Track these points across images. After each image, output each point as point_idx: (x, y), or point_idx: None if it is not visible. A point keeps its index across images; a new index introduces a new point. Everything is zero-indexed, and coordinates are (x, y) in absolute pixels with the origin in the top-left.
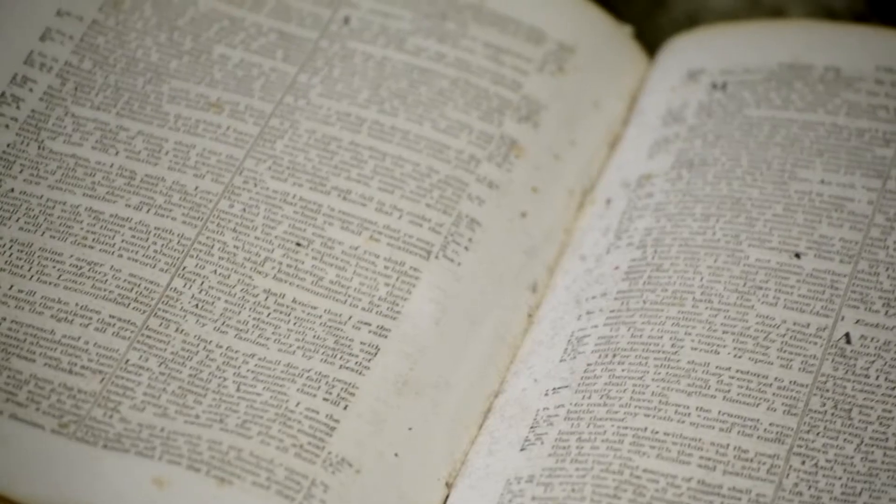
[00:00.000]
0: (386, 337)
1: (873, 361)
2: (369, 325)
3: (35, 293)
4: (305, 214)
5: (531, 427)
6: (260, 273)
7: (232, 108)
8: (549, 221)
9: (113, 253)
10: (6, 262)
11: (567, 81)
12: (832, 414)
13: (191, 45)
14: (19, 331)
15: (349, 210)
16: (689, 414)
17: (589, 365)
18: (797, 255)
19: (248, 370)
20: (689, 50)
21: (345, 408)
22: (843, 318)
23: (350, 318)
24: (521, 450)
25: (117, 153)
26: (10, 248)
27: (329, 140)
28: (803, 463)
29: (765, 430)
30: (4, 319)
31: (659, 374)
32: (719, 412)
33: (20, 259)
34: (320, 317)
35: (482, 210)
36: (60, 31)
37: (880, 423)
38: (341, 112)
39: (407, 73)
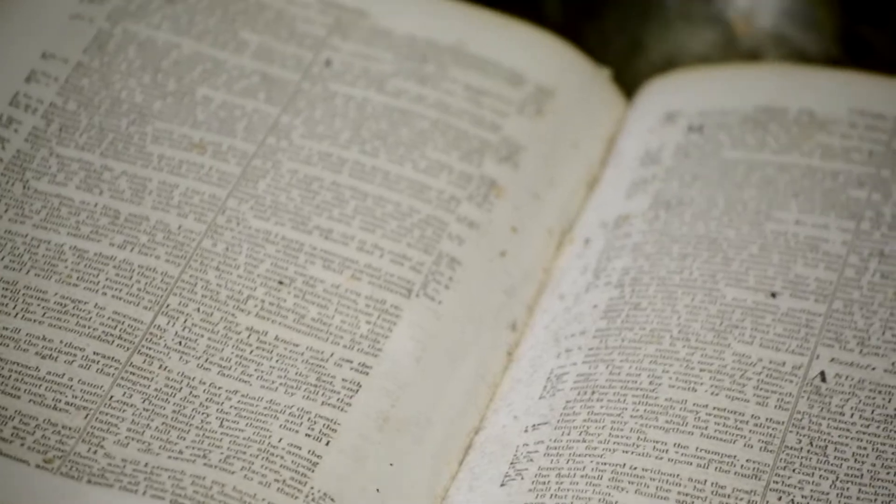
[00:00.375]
0: (367, 374)
1: (848, 399)
2: (351, 362)
3: (20, 330)
4: (287, 253)
5: (511, 463)
6: (242, 311)
7: (215, 148)
8: (528, 261)
9: (97, 291)
10: None
11: (546, 123)
12: (808, 451)
13: (174, 87)
14: (4, 367)
15: (331, 249)
16: (667, 450)
17: (568, 402)
18: (773, 295)
19: (231, 406)
20: (666, 92)
21: (327, 443)
22: (818, 357)
23: (332, 355)
24: (502, 485)
25: (101, 193)
26: None
27: (311, 180)
28: (780, 499)
29: (742, 466)
30: None
31: (637, 410)
32: (697, 448)
33: (5, 297)
34: (302, 354)
35: (462, 249)
36: (45, 72)
37: (855, 460)
38: (323, 152)
39: (388, 114)
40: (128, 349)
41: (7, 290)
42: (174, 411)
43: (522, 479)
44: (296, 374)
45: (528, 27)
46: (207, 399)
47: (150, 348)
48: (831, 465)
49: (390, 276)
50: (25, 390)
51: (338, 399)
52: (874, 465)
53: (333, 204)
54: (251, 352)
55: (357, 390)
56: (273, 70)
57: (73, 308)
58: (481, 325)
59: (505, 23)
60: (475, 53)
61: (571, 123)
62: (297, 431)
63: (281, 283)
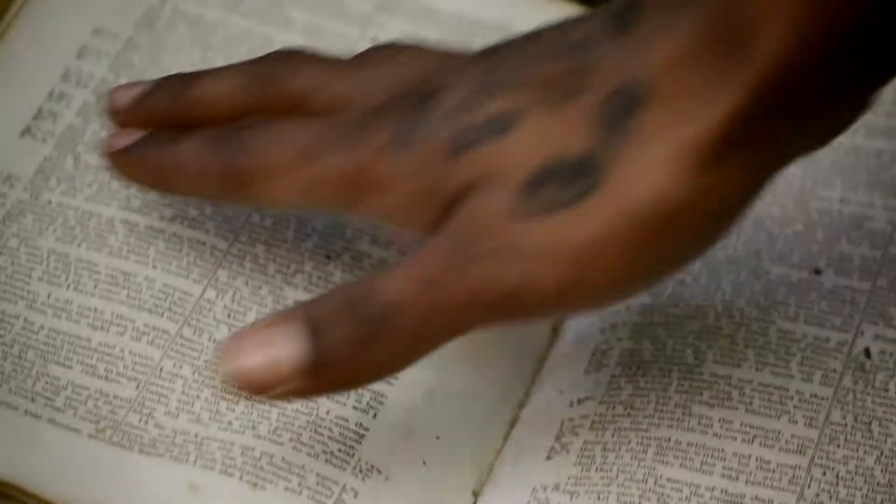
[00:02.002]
0: None
1: (892, 376)
2: None
3: (72, 302)
4: (335, 228)
5: (557, 437)
6: (290, 284)
7: None
8: None
9: (147, 264)
10: (44, 271)
11: None
12: (852, 426)
13: (223, 63)
14: (56, 338)
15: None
16: (712, 425)
17: (613, 377)
18: (817, 272)
19: None
20: None
21: (374, 416)
22: (862, 334)
23: None
24: (547, 458)
25: None
26: (47, 258)
27: None
28: (824, 474)
29: (786, 441)
30: (42, 327)
31: (682, 386)
32: (741, 423)
33: (57, 269)
34: None
35: None
36: (97, 48)
37: None
38: None
39: None
40: (177, 321)
41: (59, 262)
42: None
43: (568, 452)
44: None
45: (573, 6)
46: None
47: (199, 320)
48: (876, 440)
49: None
50: (78, 361)
51: None
52: None
53: None
54: None
55: None
56: (320, 46)
57: (124, 280)
58: None
59: (550, 2)
60: (520, 29)
61: None
62: (344, 404)
63: (328, 257)
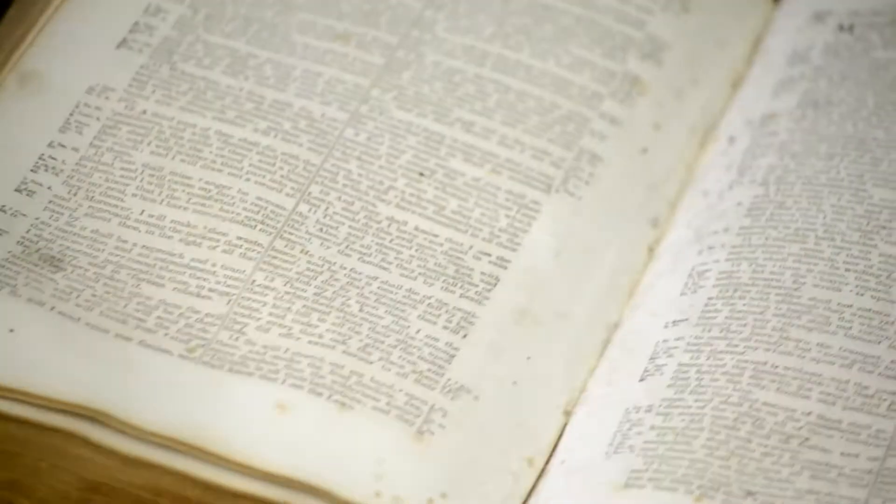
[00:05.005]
0: (506, 268)
1: None
2: (489, 255)
3: (165, 217)
4: (429, 145)
5: (651, 358)
6: (383, 201)
7: (359, 39)
8: (671, 158)
9: (241, 177)
10: (137, 187)
11: (691, 20)
12: None
13: None
14: (149, 256)
15: (472, 142)
16: (810, 349)
17: (710, 299)
18: None
19: (370, 291)
20: None
21: (464, 336)
22: None
23: (471, 247)
24: (641, 380)
25: (247, 78)
26: (141, 172)
27: (454, 72)
28: None
29: (885, 367)
30: (135, 245)
31: (780, 309)
32: (840, 348)
33: (151, 183)
34: (441, 245)
35: (603, 146)
36: None
37: None
38: (466, 46)
39: (532, 9)
40: (270, 234)
41: (153, 176)
42: (315, 294)
43: (662, 374)
44: (435, 264)
45: None
46: (348, 283)
47: (291, 234)
48: None
49: (530, 171)
50: (169, 278)
51: (476, 292)
52: None
53: (476, 97)
54: (391, 240)
55: (495, 284)
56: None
57: (217, 193)
58: (622, 221)
59: None
60: None
61: (717, 21)
62: (434, 323)
63: (422, 174)
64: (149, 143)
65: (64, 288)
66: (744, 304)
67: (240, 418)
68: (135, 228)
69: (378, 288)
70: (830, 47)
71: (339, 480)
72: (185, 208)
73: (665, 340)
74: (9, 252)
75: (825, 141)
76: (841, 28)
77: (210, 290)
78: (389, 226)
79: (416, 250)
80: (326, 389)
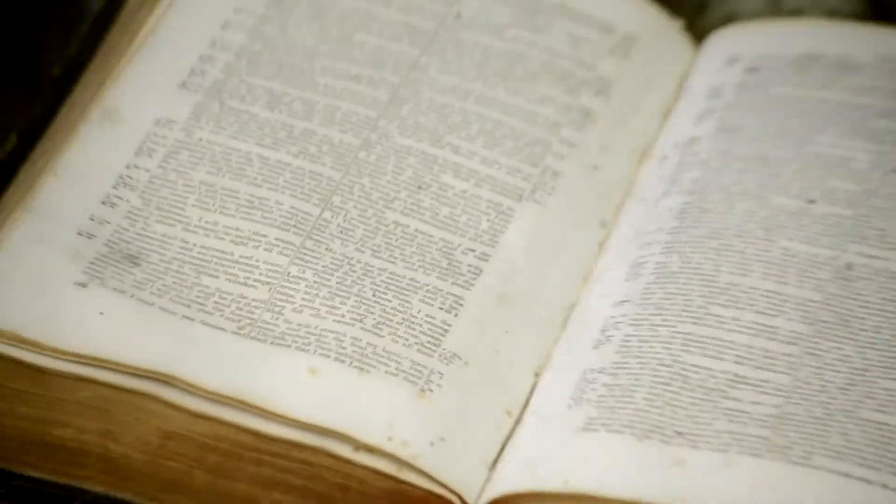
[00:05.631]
0: (487, 261)
1: (869, 284)
2: (474, 251)
3: (218, 223)
4: (425, 164)
5: (602, 330)
6: (390, 208)
7: (368, 79)
8: (616, 173)
9: (277, 190)
10: (196, 199)
11: (631, 64)
12: (836, 323)
13: (337, 33)
14: (206, 253)
15: (459, 161)
16: (726, 322)
17: (648, 284)
18: (811, 202)
19: (381, 280)
20: (728, 41)
21: (455, 315)
22: (846, 251)
23: (459, 245)
24: (594, 348)
25: (280, 112)
26: (199, 187)
27: (444, 106)
28: (814, 360)
29: (784, 335)
30: (195, 245)
31: (702, 291)
32: (749, 321)
33: (206, 197)
34: (436, 243)
35: (563, 164)
36: (237, 22)
37: (873, 331)
38: (454, 85)
39: (506, 56)
40: (301, 235)
41: (209, 191)
42: (337, 283)
43: (610, 343)
44: (431, 259)
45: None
46: (363, 274)
47: (318, 235)
48: (855, 334)
49: (506, 185)
50: (223, 271)
51: (464, 280)
52: (890, 335)
53: (461, 126)
54: (396, 240)
55: (479, 273)
56: (414, 20)
57: (259, 204)
58: (577, 223)
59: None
60: (576, 8)
61: (651, 65)
62: (432, 304)
63: (420, 187)
64: (204, 165)
65: (141, 280)
66: (674, 288)
67: (280, 381)
68: (194, 232)
69: (387, 278)
70: (739, 85)
71: (359, 428)
72: (234, 216)
73: (613, 317)
74: (97, 252)
75: (736, 159)
76: (748, 70)
77: (255, 280)
78: (395, 228)
79: (417, 248)
80: (348, 357)
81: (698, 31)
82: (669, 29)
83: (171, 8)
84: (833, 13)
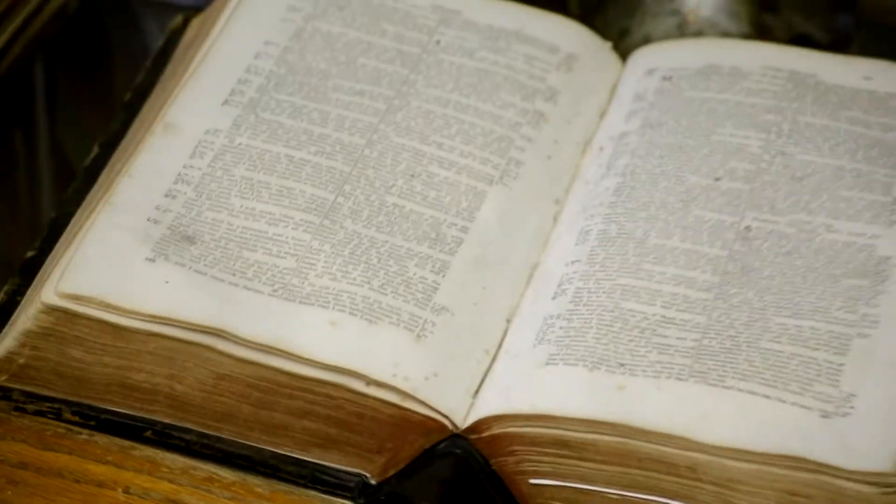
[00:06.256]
0: (466, 232)
1: (764, 242)
2: (457, 225)
3: (255, 209)
4: (416, 158)
5: (558, 285)
6: (389, 193)
7: (370, 93)
8: (565, 161)
9: (301, 181)
10: (238, 190)
11: (574, 76)
12: (740, 273)
13: (344, 58)
14: (247, 233)
15: (443, 155)
16: (654, 275)
17: (592, 247)
18: (717, 179)
19: (384, 250)
20: (647, 57)
21: (443, 276)
22: (745, 217)
23: (444, 220)
24: (553, 299)
25: (302, 120)
26: (240, 181)
27: (429, 112)
28: (724, 303)
29: (700, 284)
30: (238, 227)
31: (636, 252)
32: (672, 275)
33: (246, 189)
34: (427, 220)
35: (524, 155)
36: (266, 52)
37: (769, 279)
38: (436, 95)
39: (476, 72)
40: (320, 216)
41: (248, 184)
42: (350, 253)
43: (565, 295)
44: (422, 232)
45: (561, 17)
46: (369, 246)
47: (333, 216)
48: (754, 282)
49: (480, 173)
50: (260, 246)
51: (449, 248)
52: (781, 281)
53: (444, 127)
54: (395, 218)
55: (461, 243)
56: (404, 47)
57: (287, 192)
58: (537, 201)
59: (546, 14)
60: (529, 34)
61: (589, 77)
62: (424, 268)
63: (412, 176)
64: (243, 163)
65: (196, 255)
66: (613, 250)
67: (306, 332)
68: (237, 216)
69: (389, 248)
70: (658, 90)
71: (369, 367)
72: (267, 202)
73: (566, 274)
74: (162, 234)
75: (658, 147)
76: (663, 78)
77: (285, 253)
78: (394, 209)
79: (411, 224)
80: (359, 312)
81: (623, 50)
82: (602, 48)
83: (215, 44)
84: (726, 34)
